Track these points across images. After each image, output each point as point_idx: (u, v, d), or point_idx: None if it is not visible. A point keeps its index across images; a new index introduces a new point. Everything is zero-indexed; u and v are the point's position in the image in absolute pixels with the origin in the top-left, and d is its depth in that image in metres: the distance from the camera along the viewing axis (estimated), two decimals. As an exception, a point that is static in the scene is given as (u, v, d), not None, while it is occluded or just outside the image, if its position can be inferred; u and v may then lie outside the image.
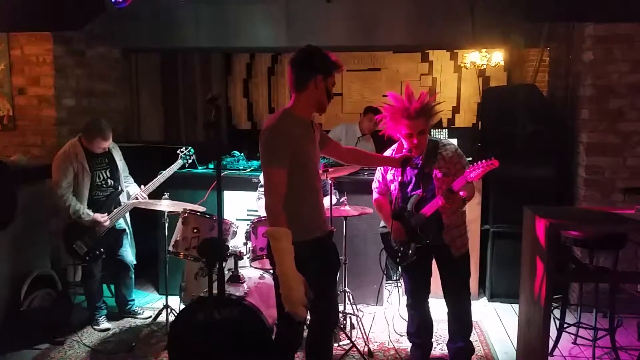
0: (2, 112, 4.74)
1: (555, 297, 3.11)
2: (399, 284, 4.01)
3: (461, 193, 2.87)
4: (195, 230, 3.52)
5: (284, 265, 2.31)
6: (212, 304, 2.71)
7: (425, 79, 7.62)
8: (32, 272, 3.92)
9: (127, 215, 4.13)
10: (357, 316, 3.94)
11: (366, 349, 3.64)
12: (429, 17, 4.92)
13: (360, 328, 3.86)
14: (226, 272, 3.39)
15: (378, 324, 3.92)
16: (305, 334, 2.85)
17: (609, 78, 4.13)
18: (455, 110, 7.61)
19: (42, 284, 3.98)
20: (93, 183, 3.91)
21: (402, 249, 3.05)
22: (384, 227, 3.18)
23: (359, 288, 4.23)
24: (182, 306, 3.76)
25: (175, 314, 3.73)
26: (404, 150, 3.03)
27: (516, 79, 7.06)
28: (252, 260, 3.49)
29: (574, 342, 3.66)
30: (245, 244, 3.55)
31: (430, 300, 3.25)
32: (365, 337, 3.75)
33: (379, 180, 3.21)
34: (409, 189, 3.05)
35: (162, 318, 3.92)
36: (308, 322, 2.78)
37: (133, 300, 4.30)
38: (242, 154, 4.79)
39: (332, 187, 3.67)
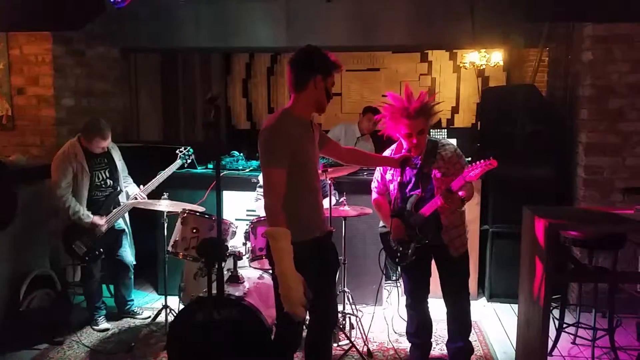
0: (1, 112, 4.74)
1: (554, 297, 3.11)
2: (398, 284, 4.02)
3: (460, 193, 2.87)
4: (194, 230, 3.52)
5: (283, 265, 2.31)
6: (211, 304, 2.71)
7: (424, 79, 7.62)
8: (31, 272, 3.91)
9: (127, 215, 4.13)
10: (357, 316, 3.94)
11: (365, 349, 3.64)
12: (429, 17, 4.93)
13: (359, 328, 3.86)
14: (225, 272, 3.38)
15: (377, 324, 3.92)
16: (304, 334, 2.85)
17: (608, 78, 4.13)
18: (455, 110, 7.61)
19: (41, 284, 3.97)
20: (92, 183, 3.91)
21: (401, 249, 3.05)
22: (383, 227, 3.19)
23: (358, 288, 4.23)
24: (181, 306, 3.76)
25: (175, 314, 3.73)
26: (403, 150, 3.03)
27: (515, 79, 7.06)
28: (251, 260, 3.49)
29: (573, 342, 3.67)
30: (245, 244, 3.55)
31: (429, 300, 3.25)
32: (364, 337, 3.75)
33: (378, 180, 3.21)
34: (407, 189, 3.05)
35: (161, 318, 3.92)
36: (307, 322, 2.79)
37: (132, 300, 4.30)
38: (242, 154, 4.78)
39: (332, 187, 3.68)
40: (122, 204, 4.03)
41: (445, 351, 3.39)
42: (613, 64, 4.11)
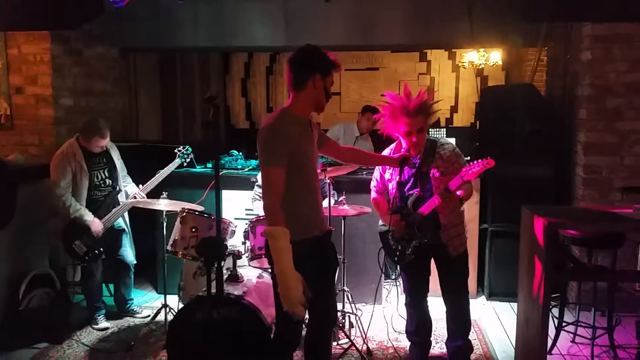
0: (-1, 111, 4.74)
1: (553, 295, 3.11)
2: (397, 283, 4.02)
3: (458, 192, 2.88)
4: (193, 230, 3.52)
5: (283, 264, 2.31)
6: (211, 303, 2.70)
7: (423, 78, 7.62)
8: (30, 272, 3.91)
9: (126, 214, 4.13)
10: (356, 315, 3.94)
11: (365, 348, 3.64)
12: (427, 17, 4.93)
13: (359, 327, 3.86)
14: (225, 271, 3.38)
15: (377, 323, 3.92)
16: (303, 333, 2.85)
17: (607, 77, 4.13)
18: (454, 109, 7.62)
19: (40, 283, 3.98)
20: (91, 183, 3.90)
21: (400, 247, 3.05)
22: (382, 225, 3.19)
23: (357, 287, 4.23)
24: (181, 305, 3.76)
25: (174, 313, 3.72)
26: (402, 150, 3.03)
27: (514, 79, 7.07)
28: (251, 259, 3.49)
29: (573, 341, 3.67)
30: (244, 243, 3.55)
31: (429, 298, 3.25)
32: (364, 335, 3.75)
33: (377, 180, 3.21)
34: (406, 188, 3.05)
35: (160, 317, 3.92)
36: (307, 321, 2.79)
37: (132, 299, 4.30)
38: (241, 153, 4.78)
39: (331, 186, 3.68)
40: (121, 203, 4.02)
41: (444, 350, 3.39)
42: (611, 63, 4.11)
